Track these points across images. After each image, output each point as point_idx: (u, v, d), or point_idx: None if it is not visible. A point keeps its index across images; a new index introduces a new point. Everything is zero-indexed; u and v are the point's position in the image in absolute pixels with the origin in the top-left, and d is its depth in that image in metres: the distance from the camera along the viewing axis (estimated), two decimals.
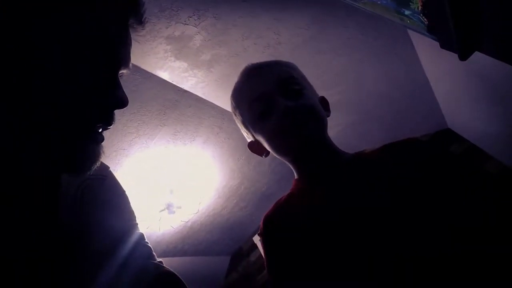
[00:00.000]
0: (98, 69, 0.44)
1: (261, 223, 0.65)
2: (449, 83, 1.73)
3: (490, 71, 1.17)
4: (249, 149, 0.73)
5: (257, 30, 1.58)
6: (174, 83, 1.84)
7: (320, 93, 0.76)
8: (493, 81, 1.26)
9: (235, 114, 0.73)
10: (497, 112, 1.51)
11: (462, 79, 1.53)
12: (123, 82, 0.51)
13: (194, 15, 1.45)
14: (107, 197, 0.58)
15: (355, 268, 0.52)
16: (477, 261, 0.47)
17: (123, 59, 0.48)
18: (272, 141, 0.66)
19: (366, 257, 0.52)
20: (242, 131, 0.74)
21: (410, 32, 1.49)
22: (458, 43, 0.36)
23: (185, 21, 1.47)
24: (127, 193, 0.64)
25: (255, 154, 0.74)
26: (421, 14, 0.39)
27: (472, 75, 1.38)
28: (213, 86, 1.90)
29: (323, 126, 0.65)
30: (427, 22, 0.40)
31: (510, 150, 1.64)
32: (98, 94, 0.44)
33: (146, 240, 0.62)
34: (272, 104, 0.63)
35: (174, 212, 2.49)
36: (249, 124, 0.69)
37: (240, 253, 3.44)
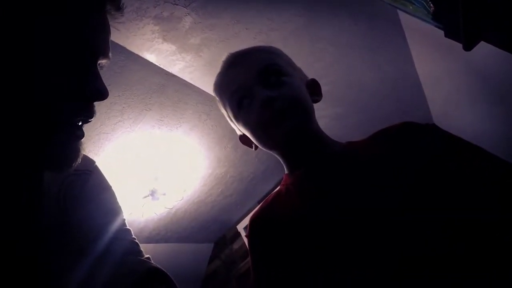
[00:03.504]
0: (73, 61, 0.41)
1: (248, 224, 0.62)
2: (439, 79, 1.74)
3: (483, 69, 1.18)
4: (241, 142, 0.70)
5: (249, 15, 1.53)
6: (161, 66, 1.77)
7: None
8: (487, 81, 1.27)
9: (223, 108, 0.69)
10: (486, 111, 1.53)
11: (453, 76, 1.54)
12: (107, 64, 0.48)
13: None
14: (92, 194, 0.56)
15: (352, 271, 0.49)
16: (480, 257, 0.46)
17: (100, 48, 0.45)
18: (254, 135, 0.62)
19: (366, 258, 0.49)
20: (231, 125, 0.71)
21: (404, 25, 1.48)
22: (465, 31, 0.34)
23: (174, 1, 1.41)
24: (113, 188, 0.61)
25: (242, 143, 0.70)
26: (428, 0, 0.37)
27: (464, 73, 1.39)
28: (201, 71, 1.85)
29: (307, 115, 0.60)
30: (433, 9, 0.38)
31: (494, 148, 1.67)
32: (75, 87, 0.42)
33: (134, 236, 0.60)
34: (252, 94, 0.59)
35: (158, 199, 2.45)
36: (233, 117, 0.65)
37: (224, 241, 3.44)
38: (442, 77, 1.69)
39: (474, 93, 1.52)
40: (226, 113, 0.69)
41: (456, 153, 0.57)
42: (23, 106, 0.39)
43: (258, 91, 0.59)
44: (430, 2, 0.38)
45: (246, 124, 0.62)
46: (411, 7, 0.41)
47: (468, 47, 0.38)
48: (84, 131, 0.46)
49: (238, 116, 0.63)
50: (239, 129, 0.67)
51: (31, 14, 0.39)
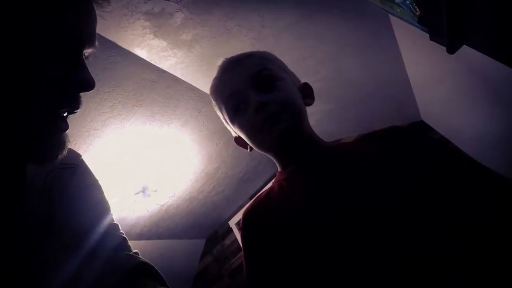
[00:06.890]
0: (59, 50, 0.40)
1: (241, 217, 0.64)
2: (428, 78, 1.77)
3: (472, 68, 1.20)
4: (236, 143, 0.73)
5: (241, 12, 1.53)
6: (152, 62, 1.76)
7: (302, 80, 0.74)
8: (474, 79, 1.30)
9: (219, 111, 0.72)
10: (472, 108, 1.57)
11: (442, 75, 1.57)
12: (98, 59, 0.48)
13: None
14: (79, 188, 0.55)
15: (342, 267, 0.50)
16: (474, 257, 0.46)
17: (87, 37, 0.44)
18: (249, 138, 0.65)
19: (356, 255, 0.49)
20: (227, 127, 0.73)
21: (393, 24, 1.50)
22: (449, 35, 0.36)
23: None
24: (99, 182, 0.61)
25: (237, 144, 0.72)
26: (414, 3, 0.38)
27: (452, 71, 1.42)
28: (193, 68, 1.84)
29: (299, 118, 0.63)
30: (418, 12, 0.39)
31: (479, 145, 1.72)
32: (61, 76, 0.40)
33: (121, 231, 0.60)
34: (246, 99, 0.62)
35: (149, 195, 2.45)
36: (229, 121, 0.68)
37: (216, 237, 3.46)
38: (431, 75, 1.72)
39: (460, 91, 1.55)
40: (222, 116, 0.71)
41: (440, 154, 0.59)
42: (6, 97, 0.37)
43: (252, 96, 0.61)
44: (416, 6, 0.39)
45: (241, 128, 0.65)
46: (398, 10, 0.43)
47: (451, 50, 0.39)
48: (74, 127, 0.45)
49: (234, 120, 0.66)
50: (235, 132, 0.69)
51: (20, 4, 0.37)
